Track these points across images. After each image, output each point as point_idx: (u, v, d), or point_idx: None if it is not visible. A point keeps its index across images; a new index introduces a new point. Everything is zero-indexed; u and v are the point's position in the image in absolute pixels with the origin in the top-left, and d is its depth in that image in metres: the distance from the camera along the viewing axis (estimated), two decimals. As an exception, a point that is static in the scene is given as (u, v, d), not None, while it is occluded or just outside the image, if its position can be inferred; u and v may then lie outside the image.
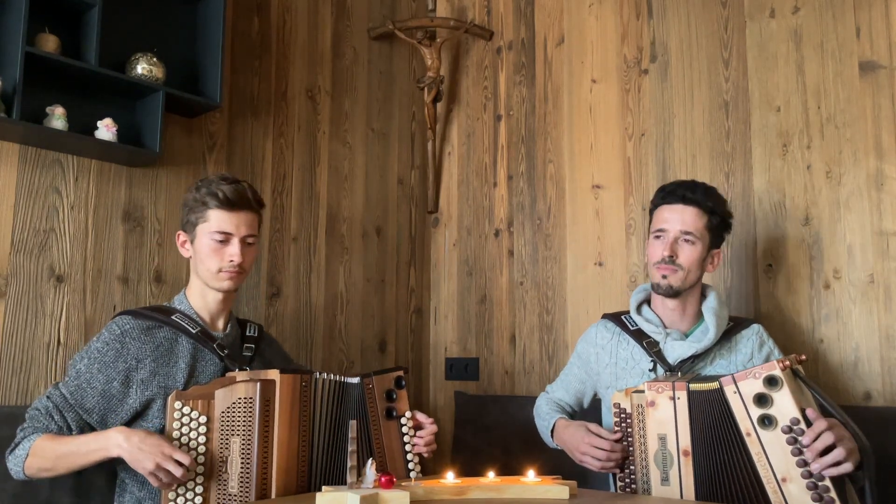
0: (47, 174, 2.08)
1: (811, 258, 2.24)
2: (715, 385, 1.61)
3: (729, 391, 1.59)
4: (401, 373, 1.82)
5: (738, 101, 2.41)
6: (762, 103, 2.37)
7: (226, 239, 1.80)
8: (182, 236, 1.87)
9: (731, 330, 1.95)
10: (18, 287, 2.00)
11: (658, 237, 1.92)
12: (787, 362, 1.57)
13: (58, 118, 2.00)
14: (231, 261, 1.79)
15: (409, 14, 3.14)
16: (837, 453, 1.48)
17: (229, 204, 1.79)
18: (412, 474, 1.78)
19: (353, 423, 1.49)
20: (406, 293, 3.04)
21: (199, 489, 1.62)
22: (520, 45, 3.00)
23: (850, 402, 2.12)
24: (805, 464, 1.50)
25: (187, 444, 1.63)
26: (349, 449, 1.46)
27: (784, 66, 2.33)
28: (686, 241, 1.89)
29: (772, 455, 1.54)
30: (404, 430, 1.80)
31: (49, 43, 2.00)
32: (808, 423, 1.51)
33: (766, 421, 1.55)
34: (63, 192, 2.10)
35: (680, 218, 1.89)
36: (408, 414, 1.81)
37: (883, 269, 2.12)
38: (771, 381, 1.54)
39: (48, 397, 1.70)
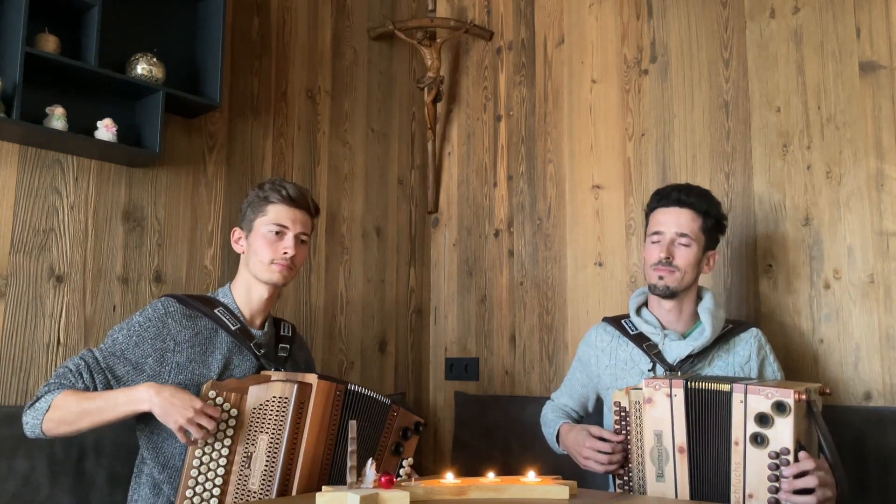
0: (47, 174, 2.08)
1: (811, 258, 2.24)
2: (726, 387, 1.61)
3: (736, 399, 1.59)
4: (422, 420, 1.87)
5: (739, 101, 2.41)
6: (762, 103, 2.36)
7: (281, 232, 1.85)
8: (237, 233, 1.92)
9: (730, 332, 1.97)
10: (18, 287, 2.00)
11: (655, 241, 1.96)
12: (805, 395, 1.55)
13: (58, 118, 2.00)
14: (285, 253, 1.83)
15: (409, 14, 3.14)
16: (809, 500, 1.51)
17: (290, 200, 1.86)
18: None
19: (352, 423, 1.49)
20: (406, 293, 3.04)
21: (218, 480, 1.62)
22: (520, 45, 2.99)
23: (850, 403, 2.12)
24: (776, 490, 1.53)
25: (213, 435, 1.64)
26: (349, 449, 1.46)
27: (784, 66, 2.33)
28: (682, 243, 1.92)
29: (749, 470, 1.56)
30: (401, 472, 1.83)
31: (49, 43, 1.99)
32: (797, 459, 1.53)
33: (759, 439, 1.56)
34: (63, 192, 2.10)
35: (675, 220, 1.93)
36: (410, 460, 1.84)
37: (883, 269, 2.12)
38: (779, 407, 1.54)
39: (81, 357, 1.70)
